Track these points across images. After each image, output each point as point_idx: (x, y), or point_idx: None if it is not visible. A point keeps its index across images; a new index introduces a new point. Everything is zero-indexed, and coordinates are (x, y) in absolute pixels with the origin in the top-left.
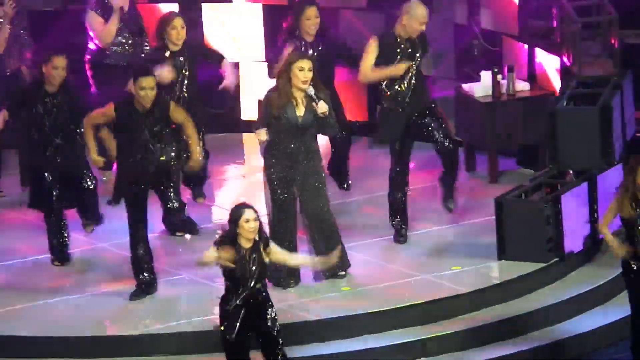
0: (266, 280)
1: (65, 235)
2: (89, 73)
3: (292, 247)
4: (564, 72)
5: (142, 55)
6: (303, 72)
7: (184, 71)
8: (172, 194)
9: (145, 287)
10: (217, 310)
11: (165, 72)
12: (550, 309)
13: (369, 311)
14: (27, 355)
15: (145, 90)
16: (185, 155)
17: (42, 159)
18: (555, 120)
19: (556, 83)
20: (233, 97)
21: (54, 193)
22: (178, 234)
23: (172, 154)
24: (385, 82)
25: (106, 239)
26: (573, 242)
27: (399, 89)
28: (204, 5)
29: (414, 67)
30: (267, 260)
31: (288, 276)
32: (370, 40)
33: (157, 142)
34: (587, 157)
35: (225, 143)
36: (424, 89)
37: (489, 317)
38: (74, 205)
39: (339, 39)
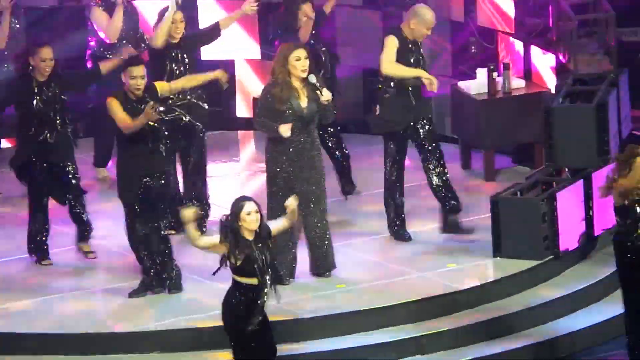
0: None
1: (46, 234)
2: (90, 68)
3: (291, 243)
4: (560, 69)
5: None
6: (300, 61)
7: (182, 65)
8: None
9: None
10: (215, 308)
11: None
12: (546, 306)
13: (363, 308)
14: (26, 352)
15: (136, 79)
16: None
17: (36, 152)
18: (551, 118)
19: (552, 81)
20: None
21: (44, 190)
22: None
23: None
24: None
25: (102, 237)
26: (568, 240)
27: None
28: (200, 2)
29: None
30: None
31: (286, 274)
32: (390, 36)
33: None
34: (583, 155)
35: (220, 141)
36: (428, 98)
37: (484, 314)
38: (64, 202)
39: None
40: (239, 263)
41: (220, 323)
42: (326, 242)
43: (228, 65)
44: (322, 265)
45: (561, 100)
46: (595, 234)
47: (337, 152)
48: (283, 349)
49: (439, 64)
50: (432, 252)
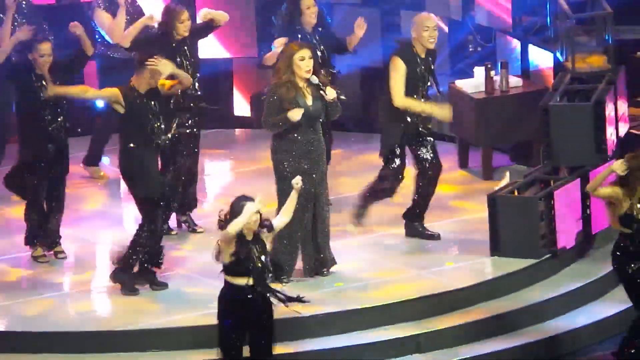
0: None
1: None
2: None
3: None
4: (558, 68)
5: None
6: (304, 61)
7: (190, 59)
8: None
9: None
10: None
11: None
12: (543, 305)
13: (362, 307)
14: (25, 351)
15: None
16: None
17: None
18: (549, 116)
19: (550, 79)
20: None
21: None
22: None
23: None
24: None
25: (98, 235)
26: (566, 238)
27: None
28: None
29: (425, 87)
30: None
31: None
32: (396, 59)
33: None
34: (580, 153)
35: (218, 139)
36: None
37: (482, 313)
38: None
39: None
40: (231, 258)
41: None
42: (327, 240)
43: (226, 63)
44: (322, 263)
45: (559, 99)
46: (593, 232)
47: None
48: (280, 347)
49: (436, 62)
50: (430, 250)
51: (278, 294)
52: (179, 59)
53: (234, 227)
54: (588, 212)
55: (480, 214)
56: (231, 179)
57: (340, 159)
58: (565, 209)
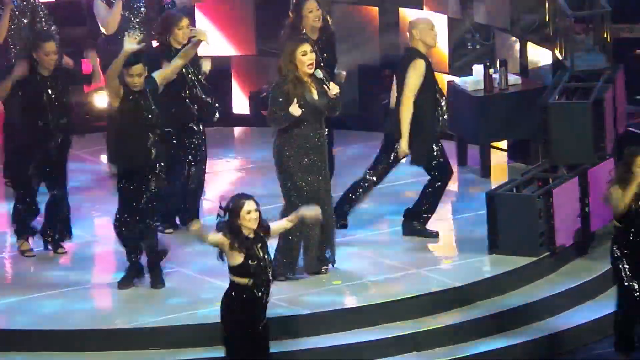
0: None
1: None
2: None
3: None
4: (556, 66)
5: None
6: (307, 56)
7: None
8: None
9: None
10: (213, 304)
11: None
12: (542, 303)
13: (360, 305)
14: (22, 349)
15: (133, 77)
16: None
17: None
18: (547, 114)
19: (548, 77)
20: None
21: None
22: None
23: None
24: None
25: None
26: (564, 236)
27: (437, 113)
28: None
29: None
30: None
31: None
32: (419, 61)
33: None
34: (579, 151)
35: (216, 137)
36: None
37: (481, 311)
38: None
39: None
40: (239, 259)
41: (219, 320)
42: (330, 238)
43: (224, 61)
44: (322, 260)
45: (557, 97)
46: (592, 230)
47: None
48: (279, 345)
49: (434, 60)
50: (429, 248)
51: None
52: (183, 69)
53: (210, 238)
54: (587, 209)
55: (478, 211)
56: (230, 177)
57: (339, 156)
58: (564, 207)
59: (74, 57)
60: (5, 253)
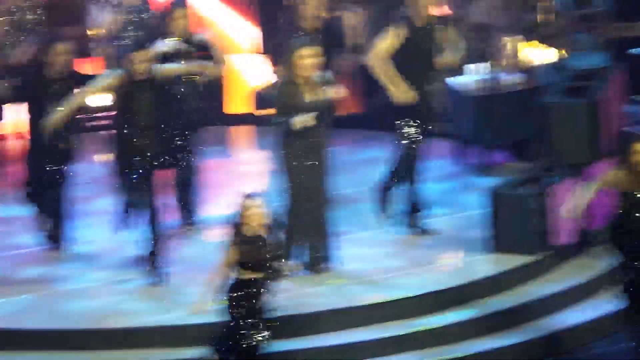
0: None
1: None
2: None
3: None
4: (556, 65)
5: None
6: (310, 58)
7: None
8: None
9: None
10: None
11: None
12: (541, 301)
13: (360, 304)
14: (24, 348)
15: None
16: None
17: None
18: (547, 114)
19: (547, 77)
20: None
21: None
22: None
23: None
24: None
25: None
26: (565, 234)
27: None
28: None
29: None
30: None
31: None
32: (392, 29)
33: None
34: (578, 151)
35: (212, 136)
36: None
37: (482, 309)
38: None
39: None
40: (238, 257)
41: (219, 318)
42: (328, 236)
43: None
44: (322, 259)
45: (556, 97)
46: (591, 229)
47: None
48: (280, 344)
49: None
50: (429, 247)
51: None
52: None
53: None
54: (586, 208)
55: (479, 210)
56: (226, 177)
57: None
58: (564, 206)
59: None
60: (7, 252)
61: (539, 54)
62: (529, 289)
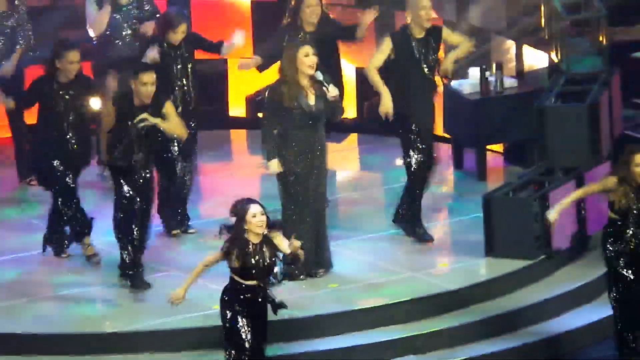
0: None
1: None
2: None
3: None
4: (552, 69)
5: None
6: (308, 57)
7: (187, 65)
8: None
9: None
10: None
11: (152, 55)
12: (538, 306)
13: (357, 308)
14: (20, 353)
15: (147, 85)
16: None
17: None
18: (544, 117)
19: (544, 80)
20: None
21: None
22: (173, 232)
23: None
24: None
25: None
26: (561, 239)
27: None
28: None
29: (426, 69)
30: (282, 247)
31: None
32: (385, 38)
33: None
34: (575, 155)
35: (212, 140)
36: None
37: (477, 314)
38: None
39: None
40: (237, 265)
41: (216, 323)
42: (325, 241)
43: (220, 64)
44: (319, 264)
45: (553, 100)
46: (588, 234)
47: None
48: (276, 348)
49: None
50: (425, 251)
51: (270, 301)
52: (175, 67)
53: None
54: (583, 213)
55: (475, 215)
56: (225, 180)
57: (338, 159)
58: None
59: None
60: (5, 256)
61: (536, 58)
62: (525, 293)
